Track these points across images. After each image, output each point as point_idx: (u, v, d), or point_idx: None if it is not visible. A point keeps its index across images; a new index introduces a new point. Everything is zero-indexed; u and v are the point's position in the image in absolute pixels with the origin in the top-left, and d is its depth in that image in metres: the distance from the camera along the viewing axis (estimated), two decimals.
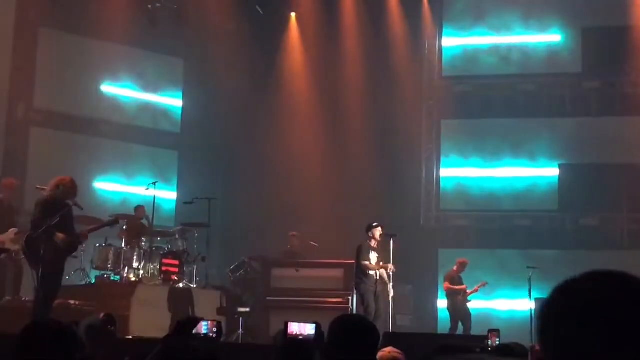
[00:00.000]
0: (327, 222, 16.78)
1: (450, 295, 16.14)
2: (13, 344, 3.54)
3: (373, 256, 13.35)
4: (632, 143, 18.00)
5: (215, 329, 4.36)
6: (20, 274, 13.00)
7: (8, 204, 13.36)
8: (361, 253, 13.28)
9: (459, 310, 16.00)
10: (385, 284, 13.43)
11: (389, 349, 5.47)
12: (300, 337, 5.05)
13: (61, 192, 10.69)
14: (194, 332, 4.26)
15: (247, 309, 14.36)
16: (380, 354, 5.27)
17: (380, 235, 13.47)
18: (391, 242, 13.53)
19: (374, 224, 13.53)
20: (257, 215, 18.19)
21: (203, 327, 4.38)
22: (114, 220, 12.31)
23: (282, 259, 15.94)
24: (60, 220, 10.45)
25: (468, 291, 16.13)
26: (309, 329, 5.13)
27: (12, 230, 12.47)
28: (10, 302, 12.74)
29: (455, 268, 16.33)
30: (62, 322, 3.84)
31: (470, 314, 16.05)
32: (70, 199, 10.78)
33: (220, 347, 4.39)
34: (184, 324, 4.33)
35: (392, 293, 13.45)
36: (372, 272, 13.26)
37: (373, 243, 13.41)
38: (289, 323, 5.18)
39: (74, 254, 11.60)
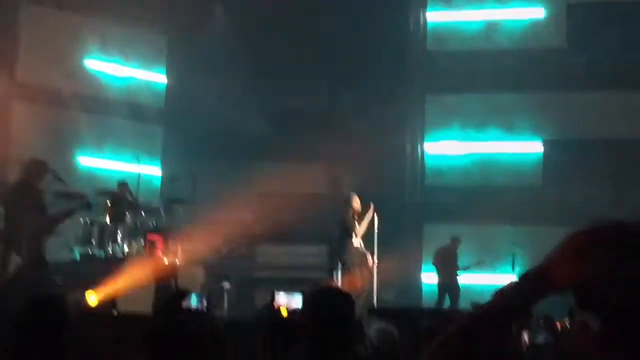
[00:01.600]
0: (311, 198, 16.70)
1: (439, 270, 16.21)
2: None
3: (356, 225, 13.36)
4: (617, 119, 18.00)
5: (205, 302, 4.32)
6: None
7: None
8: (345, 223, 13.27)
9: (448, 285, 16.07)
10: (364, 255, 13.41)
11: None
12: (284, 307, 5.02)
13: (33, 175, 10.60)
14: (183, 306, 4.21)
15: (232, 285, 14.33)
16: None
17: (359, 204, 13.47)
18: (375, 217, 13.52)
19: (351, 194, 13.53)
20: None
21: (192, 300, 4.33)
22: (85, 203, 11.98)
23: (267, 234, 15.82)
24: (35, 203, 10.41)
25: (461, 267, 16.21)
26: (296, 301, 5.11)
27: None
28: None
29: (449, 244, 16.40)
30: (54, 298, 3.78)
31: (459, 289, 16.11)
32: (43, 178, 10.66)
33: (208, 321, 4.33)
34: (173, 298, 4.28)
35: (371, 262, 13.41)
36: (356, 245, 13.26)
37: (352, 213, 13.41)
38: (276, 293, 5.15)
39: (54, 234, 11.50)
